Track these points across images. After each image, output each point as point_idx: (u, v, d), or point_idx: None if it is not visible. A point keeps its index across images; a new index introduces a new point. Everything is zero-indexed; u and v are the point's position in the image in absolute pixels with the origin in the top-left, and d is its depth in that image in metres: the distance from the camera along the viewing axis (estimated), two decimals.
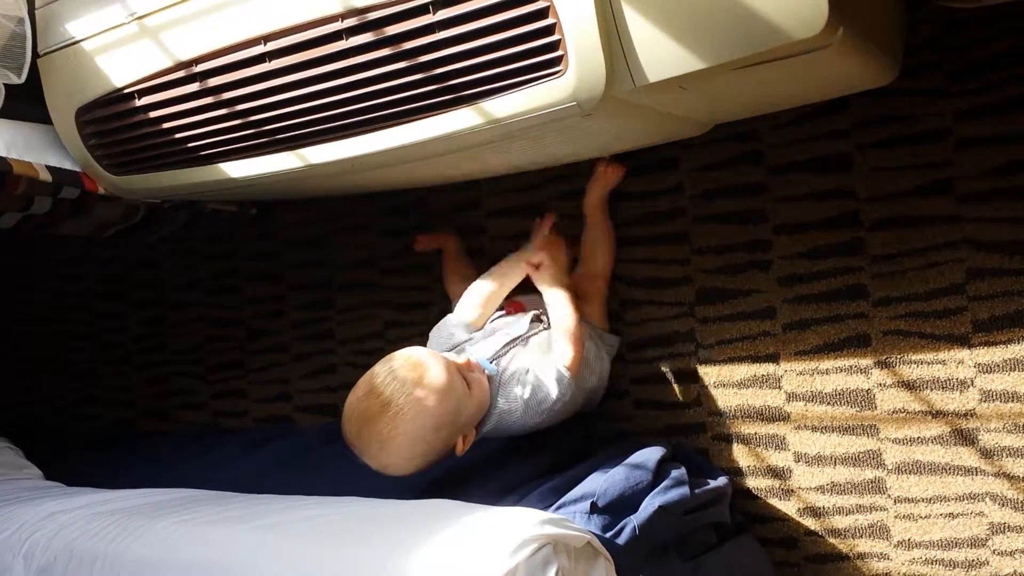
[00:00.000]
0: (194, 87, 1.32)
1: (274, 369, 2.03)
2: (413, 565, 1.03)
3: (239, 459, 1.77)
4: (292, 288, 2.01)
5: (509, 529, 1.03)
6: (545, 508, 1.27)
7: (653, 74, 1.06)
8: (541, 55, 1.07)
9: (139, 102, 1.38)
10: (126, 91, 1.39)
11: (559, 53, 1.07)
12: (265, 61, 1.24)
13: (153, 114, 1.38)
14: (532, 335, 1.48)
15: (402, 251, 1.85)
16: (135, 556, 1.21)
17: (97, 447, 2.16)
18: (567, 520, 1.14)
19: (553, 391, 1.40)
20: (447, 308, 1.79)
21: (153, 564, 1.19)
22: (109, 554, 1.23)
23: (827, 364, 1.45)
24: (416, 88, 1.15)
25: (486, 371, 1.39)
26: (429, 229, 1.78)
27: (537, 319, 1.51)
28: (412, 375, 1.30)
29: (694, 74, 1.04)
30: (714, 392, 1.53)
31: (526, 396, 1.39)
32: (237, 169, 1.37)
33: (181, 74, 1.33)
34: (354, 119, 1.21)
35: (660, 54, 1.04)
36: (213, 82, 1.30)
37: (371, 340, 1.89)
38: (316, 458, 1.73)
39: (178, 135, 1.38)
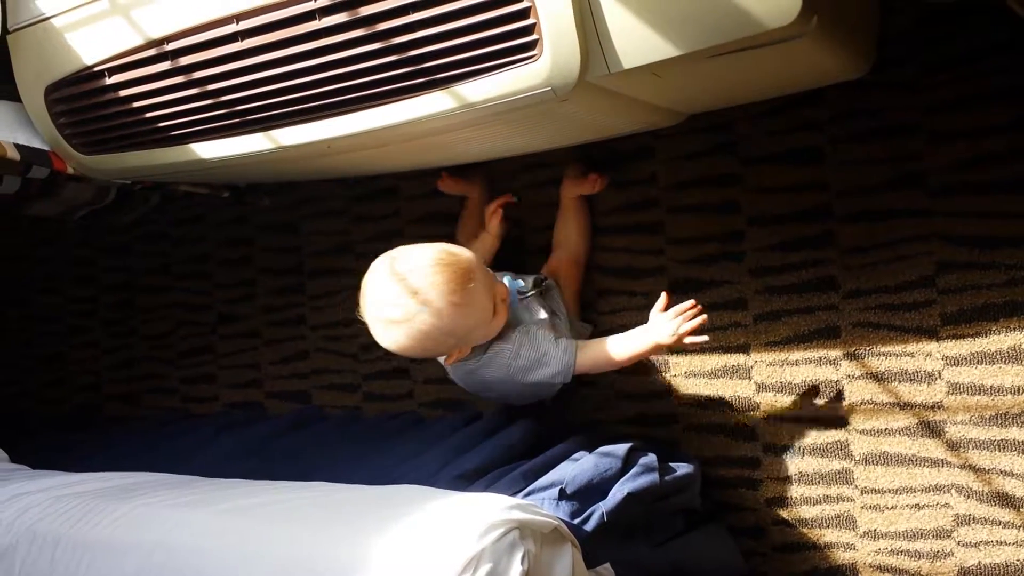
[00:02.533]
0: (165, 66, 1.30)
1: (244, 354, 2.01)
2: (378, 549, 1.02)
3: (207, 444, 1.76)
4: (263, 273, 2.00)
5: (476, 514, 1.03)
6: (514, 494, 1.27)
7: (628, 60, 1.06)
8: (515, 39, 1.07)
9: (109, 80, 1.36)
10: (96, 69, 1.37)
11: (534, 37, 1.06)
12: (237, 40, 1.23)
13: (123, 93, 1.36)
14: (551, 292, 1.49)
15: (376, 236, 1.84)
16: (98, 539, 1.20)
17: (65, 430, 2.14)
18: (535, 506, 1.14)
19: (544, 373, 1.40)
20: None
21: (116, 547, 1.18)
22: (71, 537, 1.21)
23: (797, 355, 1.45)
24: (389, 70, 1.14)
25: (510, 305, 1.40)
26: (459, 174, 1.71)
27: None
28: (455, 276, 1.29)
29: (669, 61, 1.04)
30: (685, 382, 1.54)
31: (522, 353, 1.39)
32: (208, 150, 1.35)
33: (152, 52, 1.31)
34: (326, 101, 1.20)
35: (635, 41, 1.04)
36: (184, 61, 1.28)
37: (343, 326, 1.88)
38: (286, 444, 1.72)
39: (148, 114, 1.36)
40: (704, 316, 1.34)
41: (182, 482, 1.39)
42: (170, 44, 1.28)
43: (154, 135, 1.39)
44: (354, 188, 1.86)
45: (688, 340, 1.34)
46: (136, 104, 1.36)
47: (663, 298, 1.38)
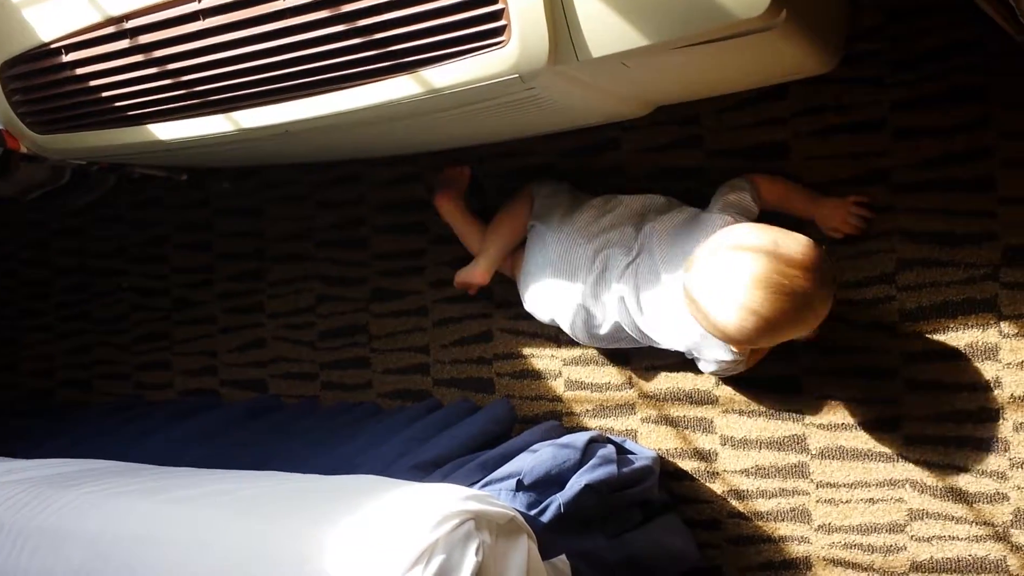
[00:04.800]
0: (124, 44, 1.27)
1: (200, 341, 1.98)
2: (331, 539, 1.01)
3: (160, 432, 1.73)
4: (222, 258, 1.97)
5: (431, 504, 1.02)
6: (471, 485, 1.27)
7: (597, 49, 1.05)
8: (483, 24, 1.05)
9: (66, 58, 1.33)
10: (53, 46, 1.33)
11: (502, 23, 1.05)
12: (199, 19, 1.20)
13: (81, 71, 1.33)
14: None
15: (339, 224, 1.82)
16: (40, 526, 1.17)
17: (15, 416, 2.09)
18: (491, 497, 1.13)
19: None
20: (383, 286, 1.77)
21: (59, 535, 1.15)
22: (14, 524, 1.18)
23: None
24: (354, 53, 1.12)
25: None
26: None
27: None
28: None
29: (638, 51, 1.04)
30: (645, 374, 1.54)
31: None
32: (167, 131, 1.33)
33: (111, 30, 1.28)
34: (289, 83, 1.18)
35: (604, 29, 1.04)
36: (144, 39, 1.26)
37: (302, 314, 1.86)
38: (241, 434, 1.70)
39: (106, 93, 1.33)
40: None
41: (131, 470, 1.36)
42: (130, 22, 1.26)
43: (111, 115, 1.36)
44: (317, 173, 1.84)
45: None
46: (93, 83, 1.33)
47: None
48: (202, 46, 1.21)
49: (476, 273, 1.57)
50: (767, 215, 1.39)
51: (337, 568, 1.00)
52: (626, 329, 1.42)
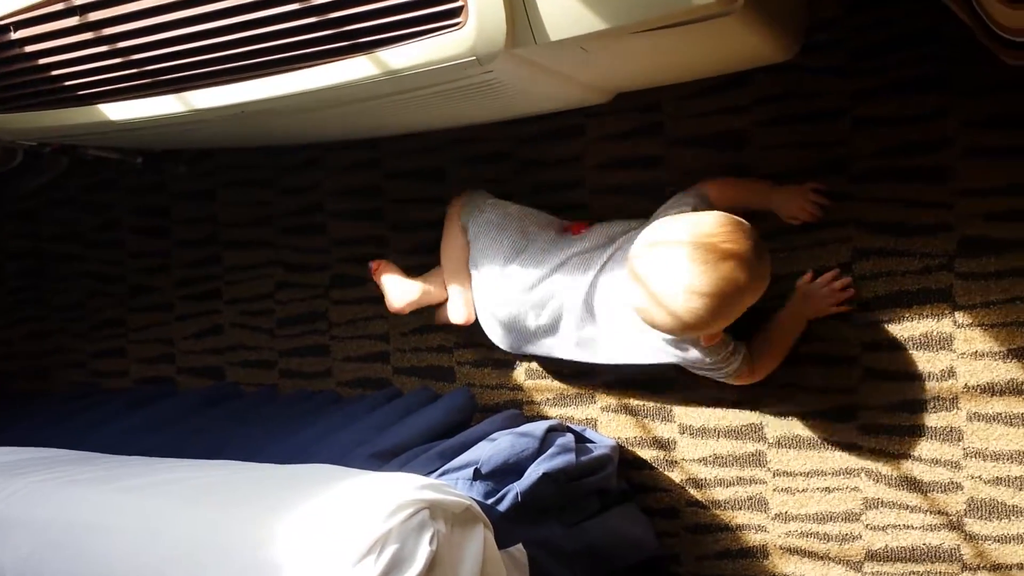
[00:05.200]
0: (74, 22, 1.24)
1: (157, 328, 1.95)
2: (283, 527, 0.99)
3: (114, 420, 1.70)
4: (179, 244, 1.94)
5: (385, 493, 1.01)
6: (429, 474, 1.25)
7: (555, 33, 1.04)
8: (440, 4, 1.04)
9: (15, 35, 1.30)
10: (1, 23, 1.30)
11: (459, 4, 1.03)
12: None
13: (29, 49, 1.30)
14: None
15: (299, 210, 1.79)
16: None
17: None
18: (447, 486, 1.12)
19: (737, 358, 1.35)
20: (343, 272, 1.75)
21: (7, 523, 1.13)
22: None
23: None
24: (309, 32, 1.10)
25: None
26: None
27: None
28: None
29: (596, 35, 1.03)
30: (605, 365, 1.53)
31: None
32: (119, 111, 1.30)
33: (61, 7, 1.24)
34: (243, 63, 1.16)
35: (562, 13, 1.02)
36: (94, 17, 1.22)
37: (261, 301, 1.83)
38: (197, 422, 1.67)
39: (56, 72, 1.30)
40: (852, 291, 1.38)
41: (82, 458, 1.34)
42: None
43: (62, 94, 1.33)
44: (275, 158, 1.81)
45: (833, 310, 1.38)
46: (43, 61, 1.30)
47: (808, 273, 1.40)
48: (154, 24, 1.19)
49: (461, 316, 1.54)
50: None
51: (289, 557, 0.98)
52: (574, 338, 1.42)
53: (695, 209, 1.32)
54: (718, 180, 1.40)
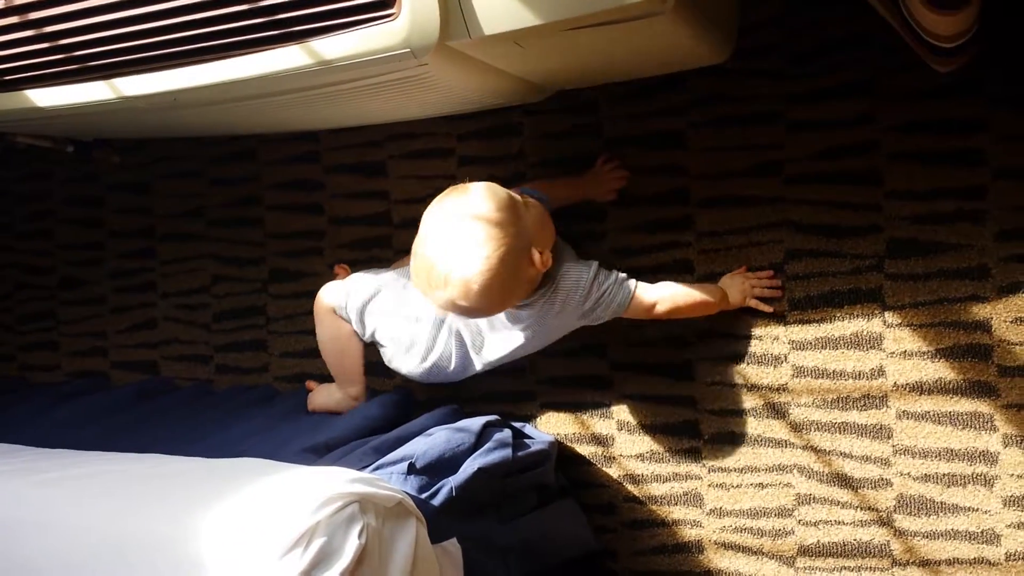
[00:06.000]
0: None
1: (89, 321, 1.91)
2: (208, 522, 0.98)
3: (42, 414, 1.66)
4: (112, 236, 1.90)
5: (315, 487, 0.99)
6: (363, 468, 1.24)
7: (488, 27, 1.04)
8: None
9: None
10: None
11: None
12: None
13: None
14: None
15: (233, 202, 1.77)
16: None
17: None
18: (379, 480, 1.11)
19: (613, 298, 1.32)
20: (281, 266, 1.73)
21: None
22: None
23: (651, 335, 1.47)
24: (240, 20, 1.08)
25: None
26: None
27: None
28: (500, 191, 1.25)
29: (530, 30, 1.03)
30: (544, 361, 1.54)
31: (601, 274, 1.31)
32: (45, 97, 1.27)
33: None
34: (173, 49, 1.14)
35: (497, 7, 1.02)
36: (20, 0, 1.19)
37: (196, 294, 1.80)
38: (128, 416, 1.64)
39: None
40: (780, 291, 1.40)
41: (5, 451, 1.30)
42: None
43: None
44: (211, 148, 1.78)
45: (753, 303, 1.40)
46: None
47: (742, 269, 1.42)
48: (82, 8, 1.16)
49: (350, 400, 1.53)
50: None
51: (215, 550, 0.97)
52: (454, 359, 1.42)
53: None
54: (534, 182, 1.44)
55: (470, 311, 1.25)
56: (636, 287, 1.33)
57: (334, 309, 1.46)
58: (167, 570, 0.98)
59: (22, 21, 1.21)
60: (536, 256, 1.24)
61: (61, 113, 1.28)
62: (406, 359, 1.43)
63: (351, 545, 0.96)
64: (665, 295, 1.35)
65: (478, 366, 1.42)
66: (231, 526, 0.98)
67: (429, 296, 1.25)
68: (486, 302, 1.23)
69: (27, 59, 1.24)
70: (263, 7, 1.06)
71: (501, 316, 1.34)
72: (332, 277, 1.56)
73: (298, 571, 0.93)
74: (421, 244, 1.24)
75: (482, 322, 1.38)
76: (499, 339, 1.39)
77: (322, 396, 1.57)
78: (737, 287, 1.40)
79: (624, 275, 1.34)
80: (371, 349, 1.49)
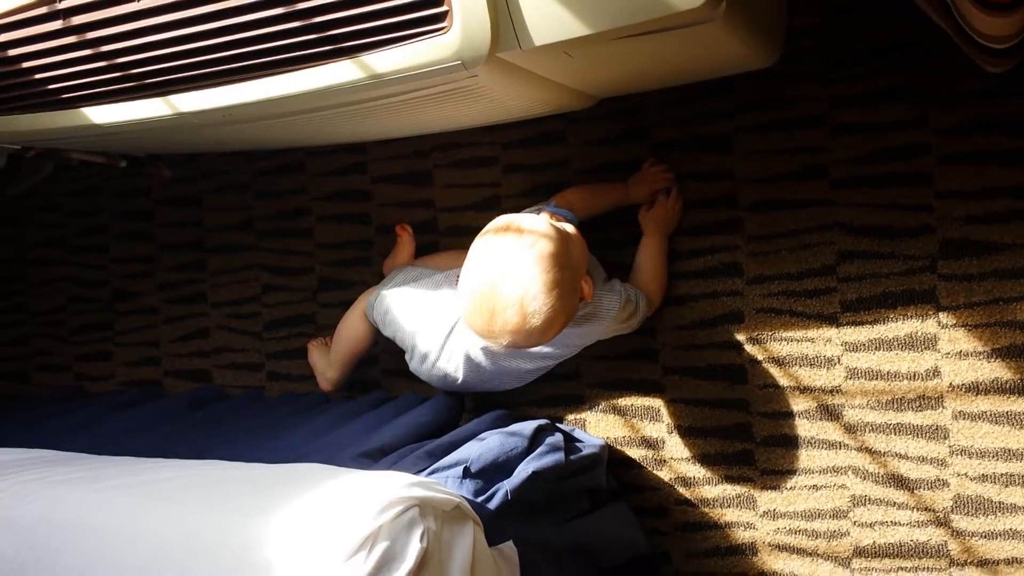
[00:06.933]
0: (57, 25, 1.24)
1: (142, 331, 1.94)
2: (273, 527, 0.99)
3: (99, 422, 1.69)
4: (163, 248, 1.93)
5: (375, 491, 1.01)
6: (418, 472, 1.25)
7: (539, 37, 1.04)
8: (425, 9, 1.04)
9: None
10: None
11: (444, 9, 1.04)
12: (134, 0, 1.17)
13: (12, 52, 1.29)
14: None
15: (282, 214, 1.79)
16: None
17: None
18: (437, 483, 1.12)
19: (642, 304, 1.39)
20: (330, 275, 1.75)
21: None
22: None
23: (702, 339, 1.47)
24: (294, 36, 1.10)
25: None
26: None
27: None
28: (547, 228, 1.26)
29: (580, 40, 1.04)
30: (592, 365, 1.54)
31: (628, 290, 1.38)
32: (102, 115, 1.29)
33: (43, 10, 1.24)
34: (227, 66, 1.16)
35: (547, 18, 1.03)
36: (77, 20, 1.22)
37: (247, 304, 1.83)
38: (183, 424, 1.66)
39: (39, 76, 1.29)
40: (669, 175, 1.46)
41: (67, 459, 1.33)
42: (62, 2, 1.22)
43: (45, 98, 1.32)
44: (259, 162, 1.81)
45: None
46: (26, 65, 1.29)
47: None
48: (138, 27, 1.18)
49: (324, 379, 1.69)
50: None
51: (278, 556, 0.98)
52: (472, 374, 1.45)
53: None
54: (575, 188, 1.45)
55: (523, 347, 1.28)
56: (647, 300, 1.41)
57: (363, 310, 1.56)
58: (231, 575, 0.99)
59: (79, 40, 1.24)
60: (585, 288, 1.28)
61: (118, 130, 1.31)
62: (421, 368, 1.49)
63: (413, 549, 0.97)
64: (652, 278, 1.45)
65: (495, 380, 1.46)
66: (294, 531, 0.99)
67: (485, 336, 1.25)
68: (543, 339, 1.25)
69: (84, 77, 1.27)
70: (317, 23, 1.08)
71: None
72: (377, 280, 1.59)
73: (362, 575, 0.94)
74: (477, 283, 1.23)
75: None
76: (514, 356, 1.41)
77: (314, 356, 1.72)
78: (660, 219, 1.45)
79: (642, 296, 1.39)
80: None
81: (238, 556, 0.99)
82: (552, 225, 1.24)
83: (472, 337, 1.35)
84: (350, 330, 1.60)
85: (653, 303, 1.44)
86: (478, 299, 1.22)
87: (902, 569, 1.37)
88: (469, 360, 1.42)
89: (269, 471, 1.18)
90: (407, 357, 1.51)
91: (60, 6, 1.22)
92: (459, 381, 1.46)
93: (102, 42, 1.22)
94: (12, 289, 2.11)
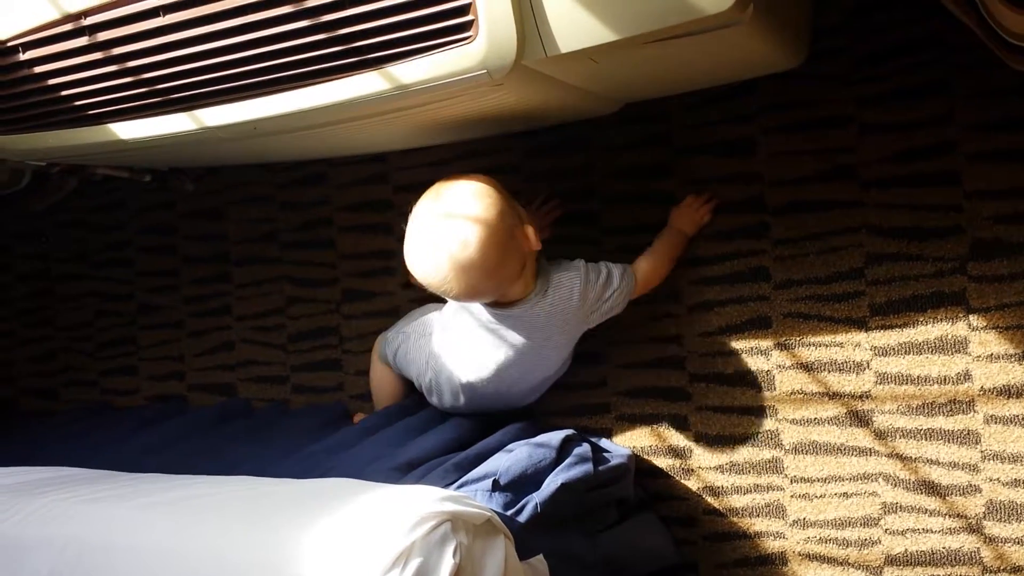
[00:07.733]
0: (82, 41, 1.24)
1: (167, 346, 1.95)
2: (306, 544, 0.99)
3: (128, 438, 1.70)
4: (187, 261, 1.94)
5: (407, 506, 1.00)
6: (446, 486, 1.25)
7: (565, 44, 1.04)
8: (450, 19, 1.04)
9: (23, 56, 1.30)
10: (10, 44, 1.30)
11: (469, 18, 1.04)
12: (159, 15, 1.17)
13: (38, 69, 1.30)
14: None
15: (305, 225, 1.80)
16: (8, 535, 1.14)
17: None
18: (467, 497, 1.12)
19: (615, 276, 1.38)
20: (354, 287, 1.75)
21: (27, 543, 1.12)
22: None
23: (729, 345, 1.46)
24: (319, 49, 1.10)
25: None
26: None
27: None
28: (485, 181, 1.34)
29: (606, 46, 1.03)
30: (618, 373, 1.53)
31: (590, 276, 1.37)
32: (128, 130, 1.30)
33: (69, 27, 1.25)
34: (253, 80, 1.16)
35: (572, 24, 1.03)
36: (103, 36, 1.23)
37: (271, 317, 1.83)
38: (210, 439, 1.67)
39: (65, 92, 1.30)
40: (716, 201, 1.47)
41: (98, 477, 1.33)
42: (88, 19, 1.23)
43: (71, 114, 1.33)
44: (282, 174, 1.81)
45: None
46: (52, 81, 1.30)
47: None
48: (163, 43, 1.19)
49: None
50: None
51: (313, 572, 0.98)
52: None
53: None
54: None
55: (468, 271, 1.28)
56: (633, 274, 1.41)
57: (379, 357, 1.61)
58: None
59: (105, 57, 1.24)
60: (530, 231, 1.31)
61: (144, 145, 1.31)
62: (437, 403, 1.53)
63: (446, 564, 0.97)
64: (650, 269, 1.44)
65: (498, 400, 1.47)
66: (327, 548, 0.99)
67: (430, 277, 1.30)
68: (485, 274, 1.28)
69: (110, 93, 1.27)
70: (342, 35, 1.08)
71: (488, 337, 1.40)
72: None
73: None
74: (415, 231, 1.32)
75: (465, 341, 1.43)
76: (488, 349, 1.41)
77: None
78: (687, 219, 1.46)
79: (617, 267, 1.39)
80: None
81: (274, 573, 0.99)
82: (477, 175, 1.32)
83: (459, 366, 1.43)
84: (380, 380, 1.63)
85: (639, 283, 1.42)
86: (417, 244, 1.31)
87: None
88: (465, 386, 1.45)
89: (300, 487, 1.18)
90: (427, 397, 1.55)
91: (86, 23, 1.23)
92: (463, 405, 1.49)
93: (128, 58, 1.22)
94: (39, 304, 2.12)
